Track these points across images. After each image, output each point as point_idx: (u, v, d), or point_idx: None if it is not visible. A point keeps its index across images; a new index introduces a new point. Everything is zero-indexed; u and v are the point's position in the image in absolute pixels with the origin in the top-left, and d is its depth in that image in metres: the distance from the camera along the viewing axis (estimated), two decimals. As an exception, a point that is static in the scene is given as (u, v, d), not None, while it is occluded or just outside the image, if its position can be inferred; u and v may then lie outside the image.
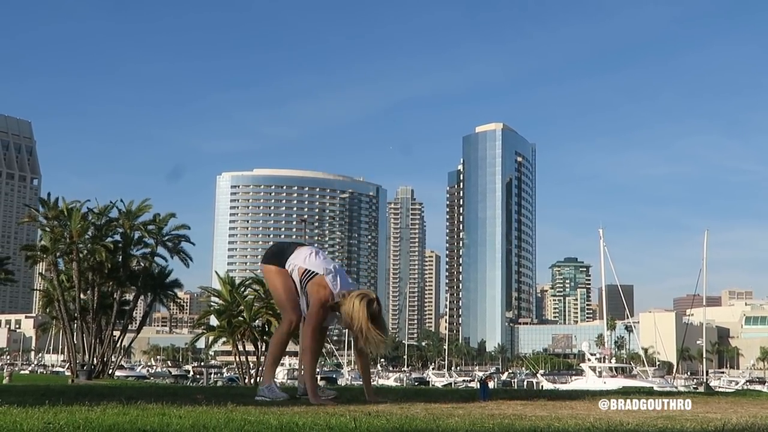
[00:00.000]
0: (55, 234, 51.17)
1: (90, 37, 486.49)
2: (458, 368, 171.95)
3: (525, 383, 79.51)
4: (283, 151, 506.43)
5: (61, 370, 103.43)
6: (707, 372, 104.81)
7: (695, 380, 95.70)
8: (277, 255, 7.58)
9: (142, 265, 54.34)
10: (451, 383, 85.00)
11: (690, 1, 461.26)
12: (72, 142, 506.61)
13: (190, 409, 6.02)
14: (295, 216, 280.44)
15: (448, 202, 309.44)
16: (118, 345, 54.87)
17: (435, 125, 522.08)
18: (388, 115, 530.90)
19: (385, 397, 7.64)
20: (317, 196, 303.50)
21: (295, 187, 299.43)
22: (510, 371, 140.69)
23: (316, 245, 7.60)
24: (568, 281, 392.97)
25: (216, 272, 62.65)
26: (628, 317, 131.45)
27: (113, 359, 55.38)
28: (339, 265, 7.47)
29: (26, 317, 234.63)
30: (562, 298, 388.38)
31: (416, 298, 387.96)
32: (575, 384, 62.44)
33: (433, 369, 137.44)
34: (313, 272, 7.27)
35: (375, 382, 79.08)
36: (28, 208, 63.69)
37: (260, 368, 52.45)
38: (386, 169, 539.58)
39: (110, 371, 53.45)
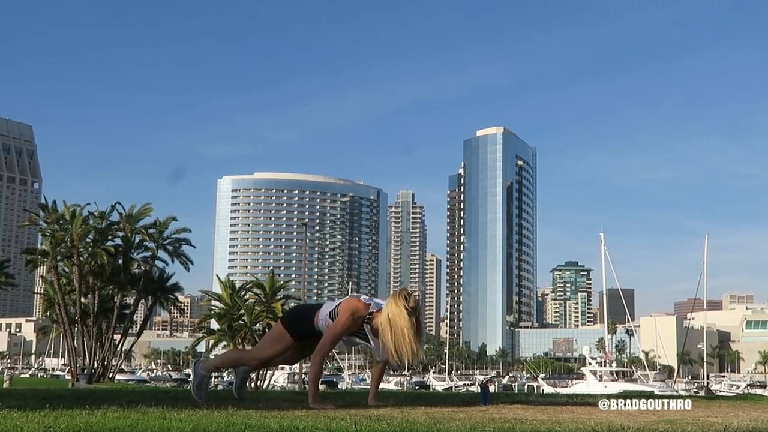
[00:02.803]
0: (55, 238, 51.18)
1: (91, 41, 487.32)
2: (459, 372, 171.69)
3: (526, 387, 79.40)
4: (284, 155, 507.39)
5: (61, 373, 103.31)
6: (708, 376, 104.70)
7: (696, 384, 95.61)
8: (298, 320, 7.33)
9: (143, 268, 54.36)
10: (451, 387, 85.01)
11: (691, 5, 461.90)
12: (73, 145, 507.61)
13: (191, 412, 6.01)
14: (295, 219, 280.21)
15: (448, 206, 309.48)
16: (118, 349, 54.85)
17: (436, 129, 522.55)
18: (389, 118, 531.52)
19: (386, 401, 7.63)
20: (318, 200, 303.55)
21: (296, 191, 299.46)
22: (511, 375, 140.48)
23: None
24: (568, 285, 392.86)
25: (217, 276, 62.76)
26: (628, 321, 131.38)
27: (114, 363, 55.35)
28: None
29: (27, 321, 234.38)
30: (562, 301, 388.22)
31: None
32: (576, 388, 62.30)
33: (433, 373, 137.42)
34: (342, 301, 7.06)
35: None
36: (29, 212, 63.71)
37: (260, 372, 52.46)
38: (387, 173, 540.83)
39: (111, 375, 53.45)
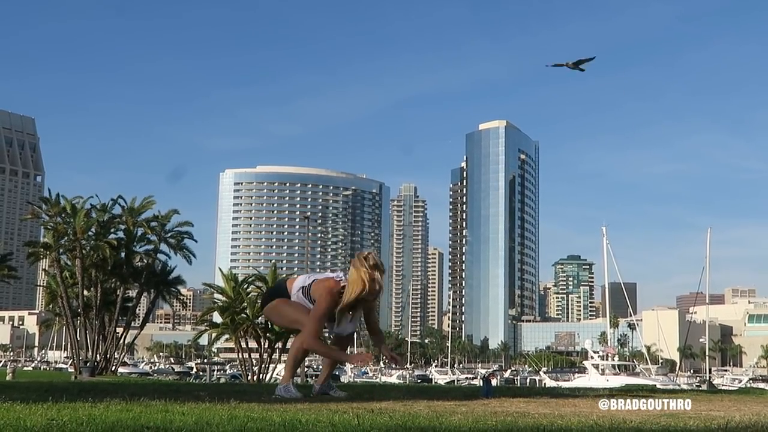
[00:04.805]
0: (58, 231, 51.20)
1: (94, 34, 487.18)
2: (461, 365, 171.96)
3: (528, 381, 79.45)
4: (287, 148, 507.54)
5: (64, 366, 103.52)
6: (710, 370, 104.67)
7: (698, 378, 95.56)
8: (274, 292, 7.60)
9: (145, 261, 54.37)
10: (453, 381, 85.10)
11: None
12: (75, 138, 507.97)
13: (193, 405, 6.02)
14: (298, 213, 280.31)
15: (451, 200, 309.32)
16: (121, 342, 54.88)
17: (438, 123, 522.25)
18: (391, 112, 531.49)
19: (388, 395, 7.64)
20: (320, 193, 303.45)
21: (298, 184, 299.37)
22: (513, 369, 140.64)
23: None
24: (571, 279, 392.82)
25: (219, 269, 62.71)
26: (631, 315, 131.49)
27: (116, 356, 55.40)
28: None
29: (29, 314, 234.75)
30: (565, 295, 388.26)
31: (419, 296, 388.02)
32: (578, 382, 62.35)
33: (435, 366, 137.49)
34: (315, 278, 7.28)
35: (378, 380, 78.45)
36: (31, 205, 63.75)
37: (263, 365, 52.48)
38: (389, 167, 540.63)
39: (113, 368, 53.50)
